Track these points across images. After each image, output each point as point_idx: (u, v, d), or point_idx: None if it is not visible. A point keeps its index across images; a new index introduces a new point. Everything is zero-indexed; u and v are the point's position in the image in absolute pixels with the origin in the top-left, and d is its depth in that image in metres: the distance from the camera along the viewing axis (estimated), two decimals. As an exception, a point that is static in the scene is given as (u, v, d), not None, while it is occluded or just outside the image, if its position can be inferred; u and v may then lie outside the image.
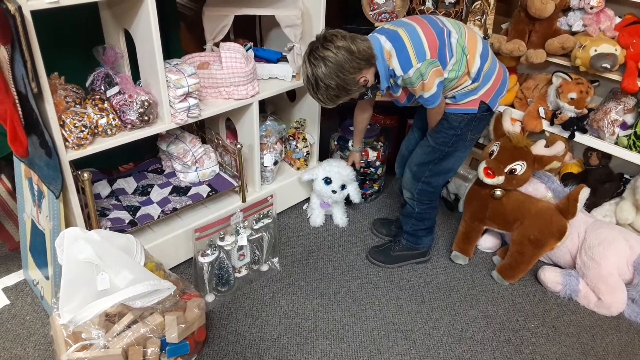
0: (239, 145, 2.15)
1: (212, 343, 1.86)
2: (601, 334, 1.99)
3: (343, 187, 2.43)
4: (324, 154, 2.66)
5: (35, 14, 1.38)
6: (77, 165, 1.78)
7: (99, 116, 1.72)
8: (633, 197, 2.23)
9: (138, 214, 2.04)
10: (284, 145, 2.51)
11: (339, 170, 2.39)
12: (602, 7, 2.18)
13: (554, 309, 2.09)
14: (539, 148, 2.07)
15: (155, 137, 2.21)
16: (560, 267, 2.23)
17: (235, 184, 2.27)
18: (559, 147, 2.07)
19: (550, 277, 2.15)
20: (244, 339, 1.89)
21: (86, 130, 1.67)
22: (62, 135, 1.62)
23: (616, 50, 2.11)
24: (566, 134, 2.29)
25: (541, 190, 2.18)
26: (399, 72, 1.73)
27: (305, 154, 2.53)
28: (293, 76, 2.26)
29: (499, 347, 1.91)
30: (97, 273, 1.53)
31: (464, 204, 2.29)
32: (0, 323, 1.90)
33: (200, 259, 1.97)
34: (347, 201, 2.53)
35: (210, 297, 2.04)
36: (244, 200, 2.29)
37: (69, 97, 1.74)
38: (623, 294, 2.04)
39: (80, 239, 1.53)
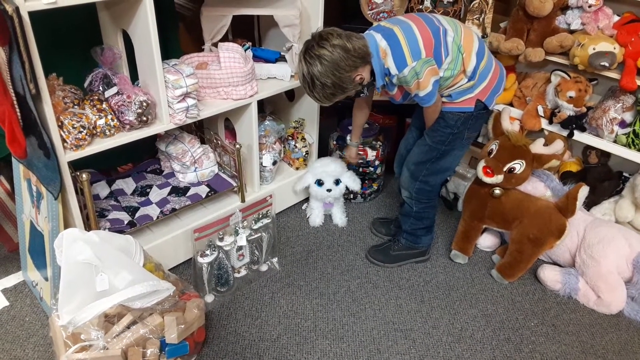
0: (237, 146, 2.15)
1: (212, 343, 1.86)
2: (601, 332, 1.99)
3: (337, 182, 2.43)
4: (323, 154, 2.66)
5: (33, 15, 1.38)
6: (76, 166, 1.78)
7: (97, 117, 1.72)
8: (632, 195, 2.23)
9: (137, 215, 2.04)
10: (282, 145, 2.51)
11: (324, 169, 2.39)
12: (600, 5, 2.18)
13: (553, 307, 2.10)
14: (538, 147, 2.07)
15: (154, 138, 2.21)
16: (559, 265, 2.23)
17: (234, 184, 2.27)
18: (558, 146, 2.07)
19: (550, 275, 2.15)
20: (243, 339, 1.89)
21: (84, 131, 1.67)
22: (61, 136, 1.62)
23: (615, 48, 2.11)
24: (565, 133, 2.29)
25: (540, 188, 2.18)
26: (394, 70, 1.73)
27: (304, 153, 2.53)
28: (292, 76, 2.26)
29: (499, 346, 1.91)
30: (96, 274, 1.52)
31: (463, 203, 2.29)
32: (-1, 324, 1.90)
33: (200, 260, 1.97)
34: (348, 199, 2.52)
35: (209, 298, 2.04)
36: (243, 200, 2.29)
37: (67, 98, 1.74)
38: (623, 292, 2.04)
39: (79, 240, 1.53)
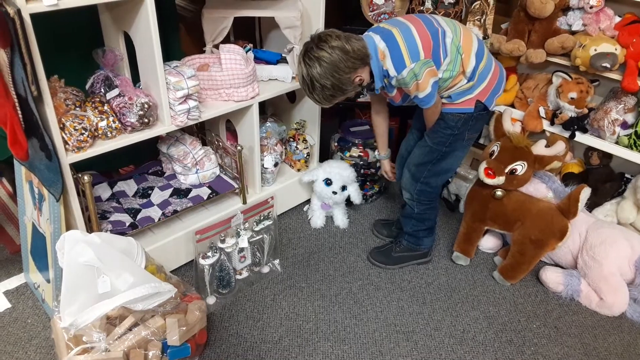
0: (239, 147, 2.15)
1: (214, 345, 1.86)
2: (603, 334, 1.98)
3: (344, 188, 2.43)
4: (325, 155, 2.66)
5: (34, 17, 1.38)
6: (78, 168, 1.78)
7: (99, 119, 1.72)
8: (634, 196, 2.23)
9: (139, 217, 2.04)
10: (284, 147, 2.51)
11: (340, 171, 2.39)
12: (601, 6, 2.18)
13: (555, 309, 2.09)
14: (539, 148, 2.06)
15: (156, 140, 2.21)
16: (561, 267, 2.22)
17: (236, 186, 2.27)
18: (560, 147, 2.07)
19: (552, 277, 2.14)
20: (245, 341, 1.89)
21: (86, 133, 1.67)
22: (62, 138, 1.62)
23: (616, 49, 2.11)
24: (567, 134, 2.29)
25: (542, 190, 2.18)
26: (392, 72, 1.73)
27: (305, 155, 2.53)
28: (293, 77, 2.26)
29: (501, 348, 1.91)
30: (98, 276, 1.52)
31: (464, 205, 2.28)
32: (1, 326, 1.90)
33: (201, 261, 1.97)
34: (348, 202, 2.52)
35: (211, 300, 2.04)
36: (244, 202, 2.29)
37: (69, 99, 1.74)
38: (625, 294, 2.03)
39: (81, 242, 1.53)
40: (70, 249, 1.52)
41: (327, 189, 2.40)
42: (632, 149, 2.17)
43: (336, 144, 2.64)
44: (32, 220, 1.92)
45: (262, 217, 2.13)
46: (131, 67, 1.95)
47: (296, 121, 2.57)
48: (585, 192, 2.02)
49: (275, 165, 2.39)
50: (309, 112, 2.51)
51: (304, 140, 2.52)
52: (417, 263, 2.28)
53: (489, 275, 2.25)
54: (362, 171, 2.57)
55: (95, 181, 2.17)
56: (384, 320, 2.00)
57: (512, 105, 2.49)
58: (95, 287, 1.52)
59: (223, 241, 2.03)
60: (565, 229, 2.06)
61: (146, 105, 1.77)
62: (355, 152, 2.57)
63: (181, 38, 2.35)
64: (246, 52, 2.15)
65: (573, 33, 2.29)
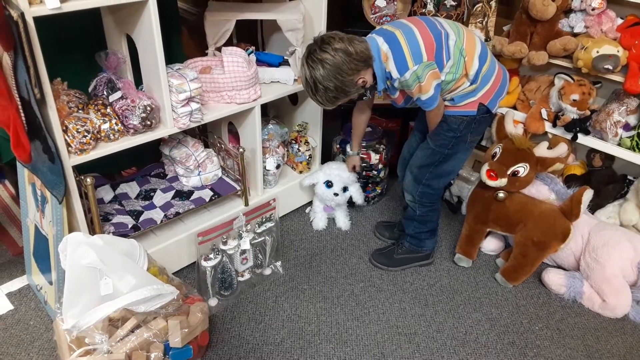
0: (241, 149, 2.15)
1: (216, 347, 1.86)
2: (606, 336, 1.98)
3: (345, 189, 2.43)
4: (327, 157, 2.66)
5: (37, 20, 1.39)
6: (80, 170, 1.78)
7: (101, 121, 1.73)
8: (637, 198, 2.23)
9: (141, 219, 2.04)
10: (286, 149, 2.51)
11: (340, 173, 2.39)
12: (603, 8, 2.18)
13: (558, 311, 2.09)
14: (541, 150, 2.06)
15: (158, 142, 2.22)
16: (564, 269, 2.22)
17: (238, 188, 2.27)
18: (562, 149, 2.07)
19: (554, 279, 2.14)
20: (247, 343, 1.89)
21: (89, 136, 1.67)
22: (65, 140, 1.62)
23: (618, 51, 2.11)
24: (569, 136, 2.29)
25: (544, 192, 2.17)
26: (395, 74, 1.73)
27: (307, 157, 2.53)
28: (295, 80, 2.26)
29: (503, 350, 1.90)
30: (100, 278, 1.53)
31: (466, 207, 2.28)
32: (4, 328, 1.90)
33: (203, 263, 1.97)
34: (350, 203, 2.52)
35: (213, 301, 2.04)
36: (246, 204, 2.30)
37: (72, 102, 1.75)
38: (627, 296, 2.03)
39: (84, 244, 1.54)
40: (72, 251, 1.52)
41: (329, 191, 2.40)
42: (634, 150, 2.16)
43: (338, 146, 2.64)
44: (34, 222, 1.92)
45: (264, 219, 2.14)
46: (134, 69, 1.96)
47: (298, 123, 2.57)
48: (588, 194, 2.02)
49: (278, 167, 2.39)
50: (311, 114, 2.51)
51: (306, 142, 2.52)
52: (419, 265, 2.28)
53: (491, 277, 2.24)
54: (364, 173, 2.57)
55: (97, 183, 2.17)
56: (386, 322, 2.00)
57: (515, 107, 2.49)
58: (97, 289, 1.52)
59: (225, 243, 2.03)
60: (568, 231, 2.06)
61: (149, 108, 1.77)
62: (357, 154, 2.57)
63: (183, 41, 2.36)
64: (248, 54, 2.16)
65: (575, 35, 2.29)
